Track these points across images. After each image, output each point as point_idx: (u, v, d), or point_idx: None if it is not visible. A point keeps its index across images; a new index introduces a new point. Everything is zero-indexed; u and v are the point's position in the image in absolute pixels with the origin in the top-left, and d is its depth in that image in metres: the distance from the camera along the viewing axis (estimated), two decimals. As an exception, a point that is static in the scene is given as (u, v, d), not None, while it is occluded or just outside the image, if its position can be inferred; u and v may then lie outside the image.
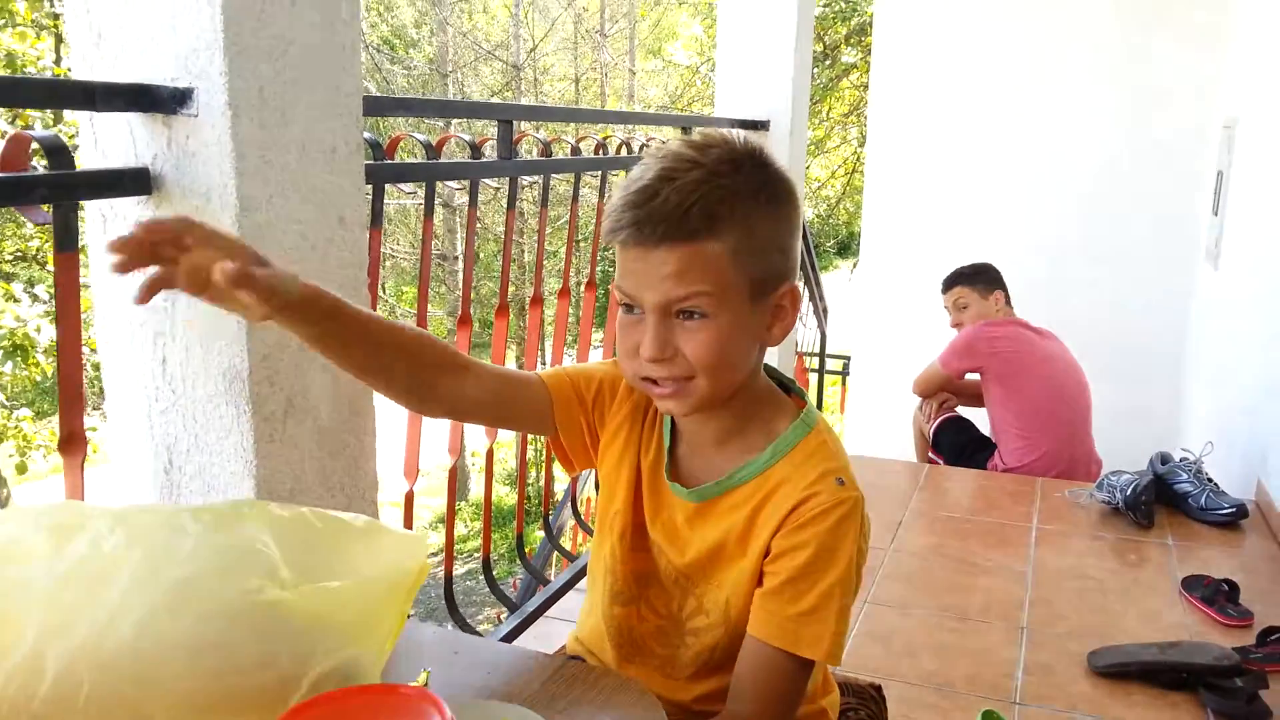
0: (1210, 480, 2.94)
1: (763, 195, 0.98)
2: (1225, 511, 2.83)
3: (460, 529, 12.15)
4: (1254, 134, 3.68)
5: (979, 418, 3.58)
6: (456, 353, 1.08)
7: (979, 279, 3.57)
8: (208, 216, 1.13)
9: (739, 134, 1.06)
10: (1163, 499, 2.92)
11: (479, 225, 12.72)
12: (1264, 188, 3.45)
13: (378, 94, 13.54)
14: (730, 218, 0.96)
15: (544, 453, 2.48)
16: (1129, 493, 2.84)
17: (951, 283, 3.63)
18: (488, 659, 0.98)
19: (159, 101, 1.12)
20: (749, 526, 1.03)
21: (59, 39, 9.66)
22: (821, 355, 5.66)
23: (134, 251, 0.84)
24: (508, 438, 10.98)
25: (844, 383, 6.04)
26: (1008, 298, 3.54)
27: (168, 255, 0.86)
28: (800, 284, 4.21)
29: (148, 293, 0.86)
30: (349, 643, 0.72)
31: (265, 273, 0.86)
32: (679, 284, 0.95)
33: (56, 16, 8.94)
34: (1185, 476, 2.93)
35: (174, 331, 1.19)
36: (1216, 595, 2.34)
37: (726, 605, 1.06)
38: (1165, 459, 3.03)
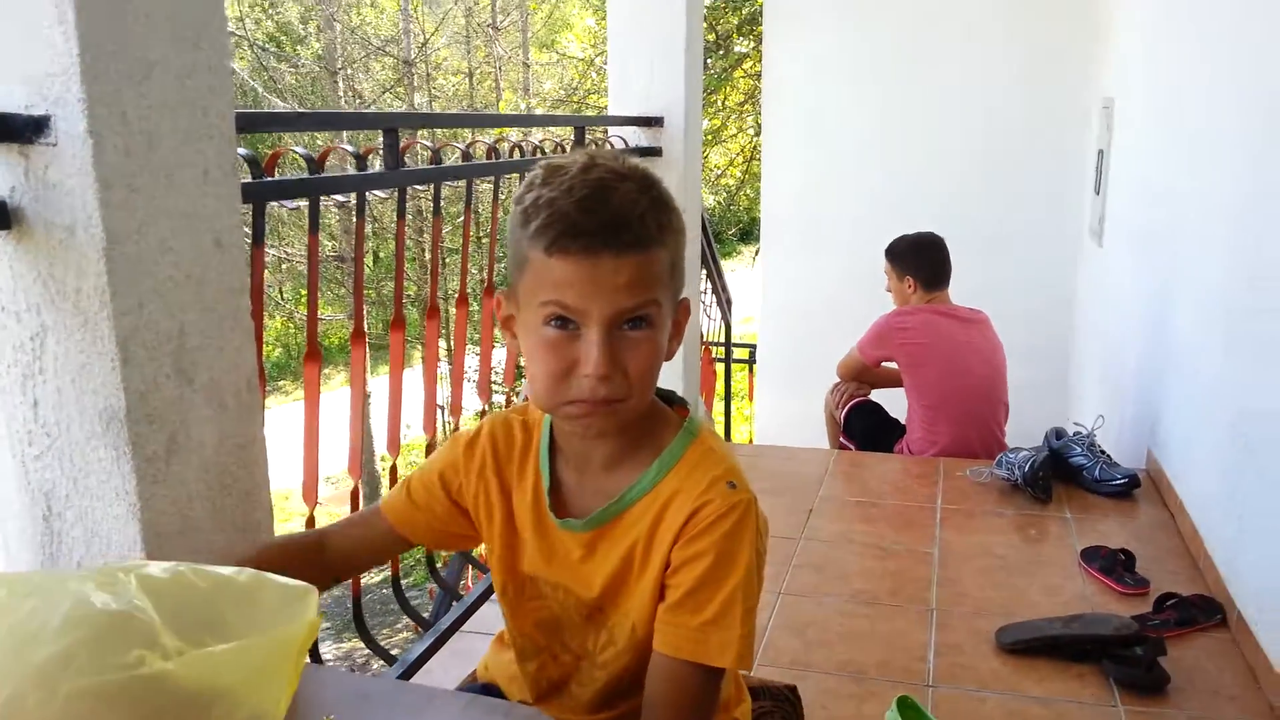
0: (1103, 452, 3.04)
1: (677, 211, 0.99)
2: (1119, 483, 2.93)
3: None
4: (1130, 113, 3.82)
5: (895, 399, 3.61)
6: (306, 541, 1.17)
7: (896, 259, 3.56)
8: (72, 250, 1.07)
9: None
10: (1059, 473, 3.02)
11: (376, 225, 12.48)
12: (1140, 166, 3.58)
13: (262, 91, 13.18)
14: (670, 228, 0.97)
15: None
16: (1026, 469, 2.93)
17: (885, 252, 3.62)
18: (395, 699, 0.95)
19: (13, 130, 1.05)
20: (648, 544, 1.02)
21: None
22: (727, 344, 5.71)
23: None
24: (419, 439, 10.82)
25: (751, 370, 6.09)
26: (929, 280, 3.49)
27: None
28: (702, 273, 4.24)
29: None
30: (242, 704, 0.68)
31: None
32: (631, 294, 0.93)
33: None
34: (1079, 450, 3.03)
35: (44, 372, 1.13)
36: (1114, 565, 2.43)
37: (632, 630, 1.04)
38: (1060, 434, 3.13)
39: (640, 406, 0.99)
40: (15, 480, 1.18)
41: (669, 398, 1.10)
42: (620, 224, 0.92)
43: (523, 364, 1.07)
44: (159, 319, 1.13)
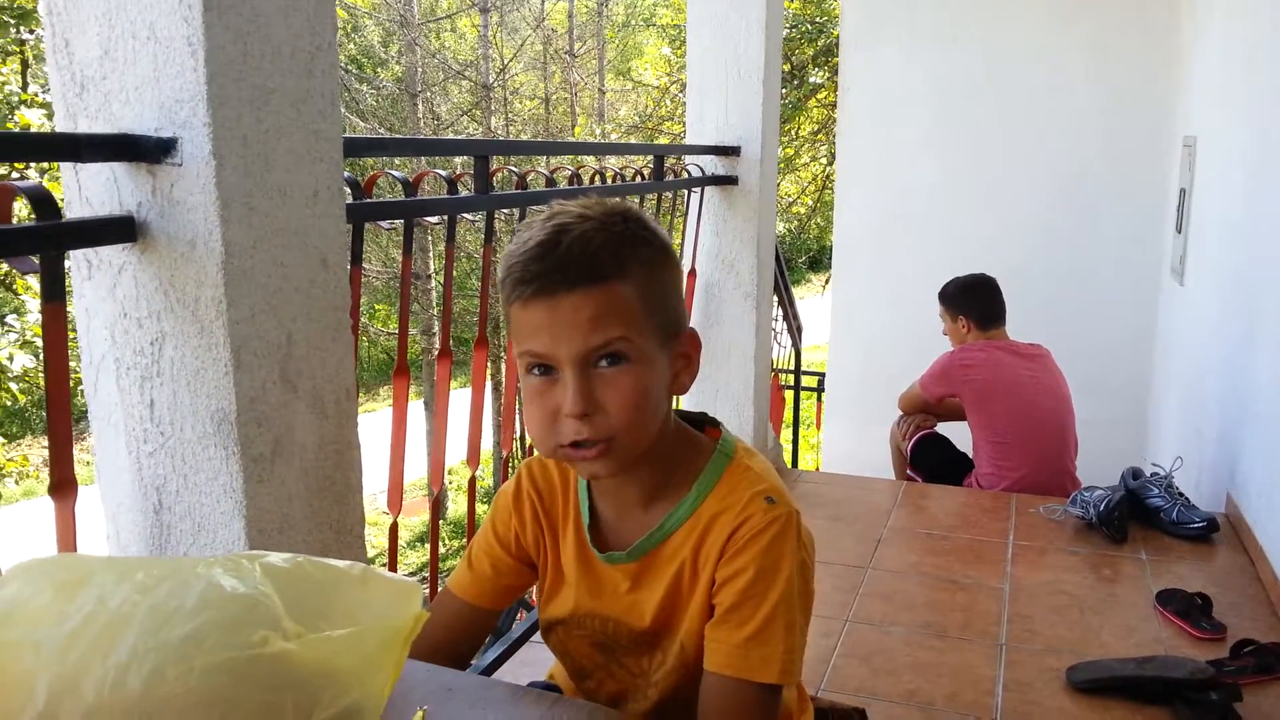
0: (1181, 495, 2.99)
1: (655, 243, 1.01)
2: (1196, 525, 2.88)
3: (441, 547, 12.08)
4: (1211, 152, 3.77)
5: (961, 432, 3.61)
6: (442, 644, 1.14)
7: (948, 301, 3.60)
8: (192, 263, 1.14)
9: (697, 196, 1.10)
10: (1135, 514, 2.97)
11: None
12: (1223, 205, 3.53)
13: (344, 111, 13.53)
14: (634, 259, 0.98)
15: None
16: (1102, 508, 2.89)
17: (938, 296, 3.66)
18: (481, 695, 1.00)
19: (144, 151, 1.13)
20: (694, 567, 1.04)
21: (25, 64, 9.59)
22: (796, 372, 5.71)
23: None
24: (487, 452, 10.95)
25: (819, 399, 6.08)
26: (983, 318, 3.51)
27: None
28: (774, 300, 4.26)
29: None
30: (349, 690, 0.73)
31: None
32: (596, 329, 0.95)
33: (23, 42, 8.88)
34: (1156, 491, 2.98)
35: (161, 375, 1.20)
36: (1190, 609, 2.38)
37: (681, 649, 1.06)
38: (1137, 474, 3.08)
39: (638, 442, 0.99)
40: (129, 475, 1.26)
41: (700, 420, 1.12)
42: (570, 262, 0.94)
43: None
44: (269, 329, 1.20)
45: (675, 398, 1.07)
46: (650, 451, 1.02)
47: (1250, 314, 2.97)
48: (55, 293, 1.11)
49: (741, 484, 1.04)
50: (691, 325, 1.07)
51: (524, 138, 15.55)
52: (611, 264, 0.96)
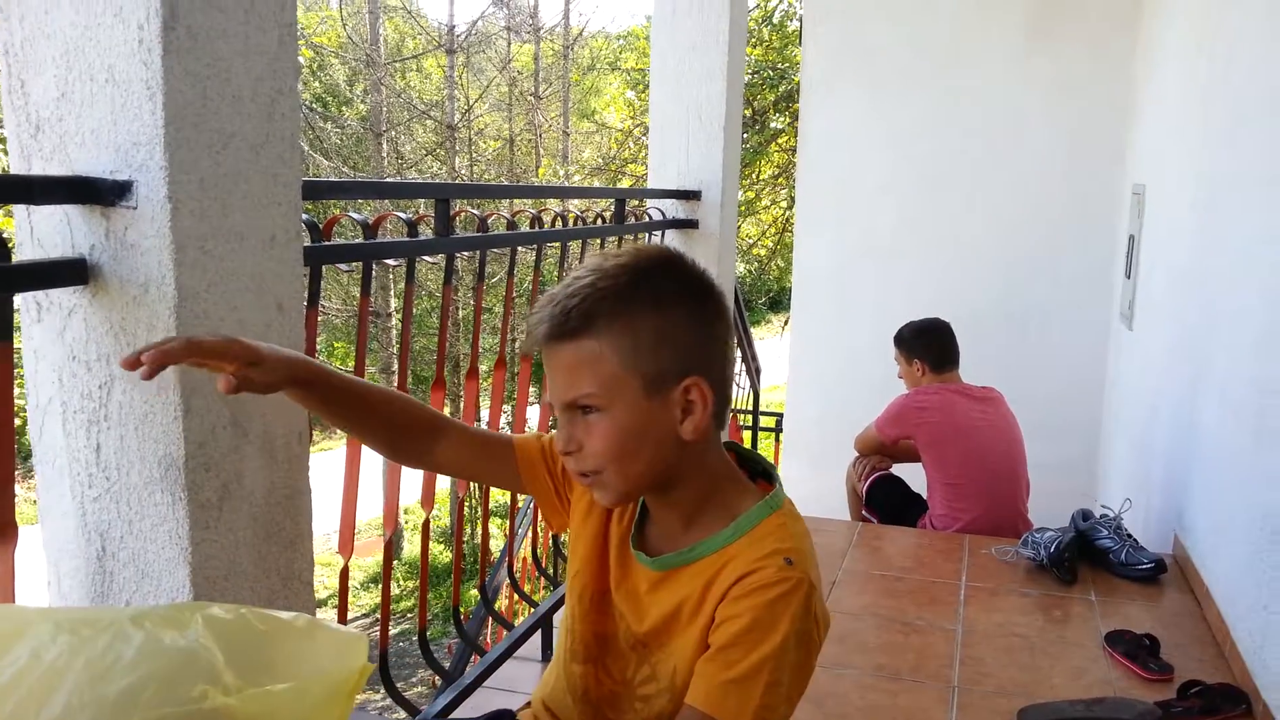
0: (1129, 536, 3.03)
1: (646, 297, 1.04)
2: (1145, 567, 2.92)
3: (394, 588, 11.92)
4: (1159, 199, 3.87)
5: (916, 473, 3.64)
6: (436, 416, 1.27)
7: (903, 345, 3.65)
8: (144, 307, 1.14)
9: (658, 239, 1.17)
10: (1085, 555, 3.01)
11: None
12: (1171, 252, 3.62)
13: (308, 150, 13.51)
14: (607, 315, 1.03)
15: (479, 510, 2.48)
16: (1052, 549, 2.93)
17: (894, 340, 3.71)
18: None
19: (98, 194, 1.13)
20: (702, 597, 1.07)
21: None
22: (755, 412, 5.74)
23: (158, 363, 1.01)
24: (444, 491, 10.85)
25: (778, 439, 6.11)
26: (937, 361, 3.57)
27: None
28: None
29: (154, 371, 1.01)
30: (291, 743, 0.73)
31: (253, 373, 1.07)
32: (569, 381, 1.05)
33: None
34: (1106, 532, 3.02)
35: (109, 419, 1.19)
36: (1139, 650, 2.41)
37: (674, 673, 1.09)
38: (1086, 515, 3.13)
39: (628, 478, 1.08)
40: (73, 520, 1.24)
41: (767, 472, 1.17)
42: (550, 316, 1.04)
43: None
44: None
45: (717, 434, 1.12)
46: (687, 485, 1.11)
47: (1196, 359, 3.04)
48: (2, 334, 1.10)
49: (771, 537, 1.08)
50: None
51: (488, 178, 15.60)
52: (580, 321, 1.03)
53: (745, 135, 10.42)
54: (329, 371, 1.17)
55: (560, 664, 1.22)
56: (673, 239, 3.28)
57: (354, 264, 1.66)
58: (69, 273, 1.15)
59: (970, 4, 4.91)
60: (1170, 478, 3.27)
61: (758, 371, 5.54)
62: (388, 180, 12.49)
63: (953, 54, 4.94)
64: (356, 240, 1.66)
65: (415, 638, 2.12)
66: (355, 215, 1.67)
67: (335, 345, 16.31)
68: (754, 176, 11.50)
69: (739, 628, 1.02)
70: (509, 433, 1.35)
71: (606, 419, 1.04)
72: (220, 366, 1.06)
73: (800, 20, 5.84)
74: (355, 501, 1.74)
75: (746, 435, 5.85)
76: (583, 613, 1.18)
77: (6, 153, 1.49)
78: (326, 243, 1.56)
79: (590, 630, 1.18)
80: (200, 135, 1.15)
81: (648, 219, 3.13)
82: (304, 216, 1.41)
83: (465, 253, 2.19)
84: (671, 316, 1.05)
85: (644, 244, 1.14)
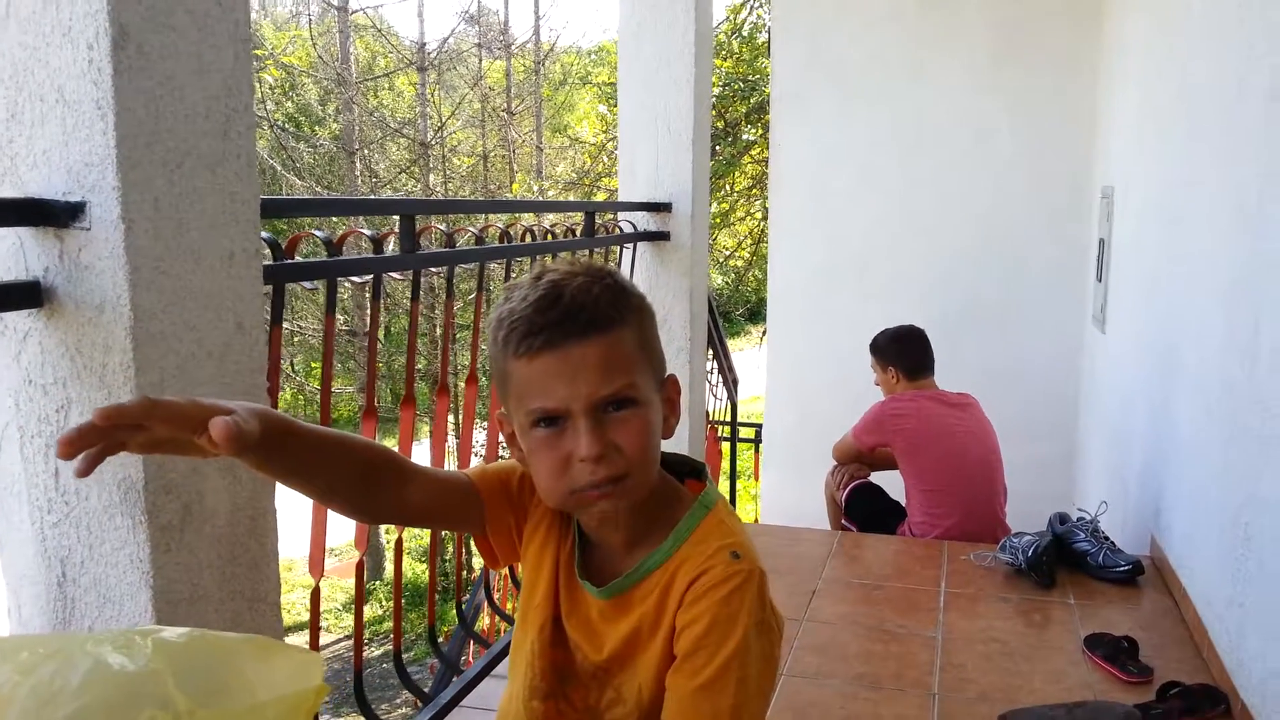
0: (1107, 538, 3.04)
1: (638, 295, 1.06)
2: (1122, 569, 2.93)
3: (376, 608, 11.84)
4: (1128, 203, 3.90)
5: (895, 481, 3.65)
6: (402, 463, 1.11)
7: (878, 352, 3.67)
8: (100, 328, 1.12)
9: (629, 253, 1.15)
10: (1063, 558, 3.01)
11: (387, 299, 12.65)
12: (1139, 255, 3.65)
13: (281, 169, 13.47)
14: (629, 308, 1.03)
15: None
16: (1030, 554, 2.93)
17: (869, 347, 3.73)
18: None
19: (51, 215, 1.11)
20: (659, 610, 1.06)
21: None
22: (733, 424, 5.75)
23: (89, 440, 0.80)
24: (423, 516, 10.78)
25: (757, 450, 6.12)
26: (911, 369, 3.58)
27: (121, 436, 0.83)
28: (709, 352, 4.30)
29: (93, 465, 0.81)
30: (247, 767, 0.71)
31: (240, 430, 0.84)
32: (607, 375, 0.99)
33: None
34: (1083, 535, 3.03)
35: (66, 443, 1.17)
36: (1118, 653, 2.42)
37: (639, 691, 1.08)
38: (1064, 519, 3.13)
39: (645, 483, 1.04)
40: (33, 546, 1.22)
41: (696, 470, 1.15)
42: (576, 311, 0.98)
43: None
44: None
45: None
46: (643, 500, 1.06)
47: (1168, 361, 3.06)
48: (-45, 360, 1.08)
49: (712, 536, 1.07)
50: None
51: (463, 194, 15.59)
52: (613, 311, 1.00)
53: (718, 147, 10.45)
54: (298, 423, 0.99)
55: (519, 700, 1.16)
56: (644, 251, 3.28)
57: (318, 282, 1.64)
58: (23, 296, 1.13)
59: (936, 14, 4.95)
60: (1146, 479, 3.29)
61: (735, 383, 5.54)
62: (349, 197, 12.43)
63: (920, 64, 4.98)
64: (321, 258, 1.65)
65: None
66: (318, 233, 1.66)
67: (313, 365, 16.22)
68: (728, 188, 11.54)
69: (699, 631, 1.01)
70: (456, 469, 1.27)
71: (640, 414, 1.01)
72: (182, 434, 0.86)
73: (769, 32, 5.87)
74: (325, 521, 1.72)
75: (725, 446, 5.85)
76: (540, 648, 1.14)
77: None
78: (289, 260, 1.54)
79: (549, 664, 1.14)
80: (154, 154, 1.13)
81: (619, 231, 3.13)
82: (265, 235, 1.39)
83: (437, 270, 2.18)
84: (652, 315, 1.08)
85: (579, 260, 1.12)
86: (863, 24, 5.06)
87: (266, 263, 1.42)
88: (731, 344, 5.68)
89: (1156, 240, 3.31)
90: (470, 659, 4.85)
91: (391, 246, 1.86)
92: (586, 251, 2.94)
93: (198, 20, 1.18)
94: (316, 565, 1.74)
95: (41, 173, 1.13)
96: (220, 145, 1.23)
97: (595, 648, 1.11)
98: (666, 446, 1.10)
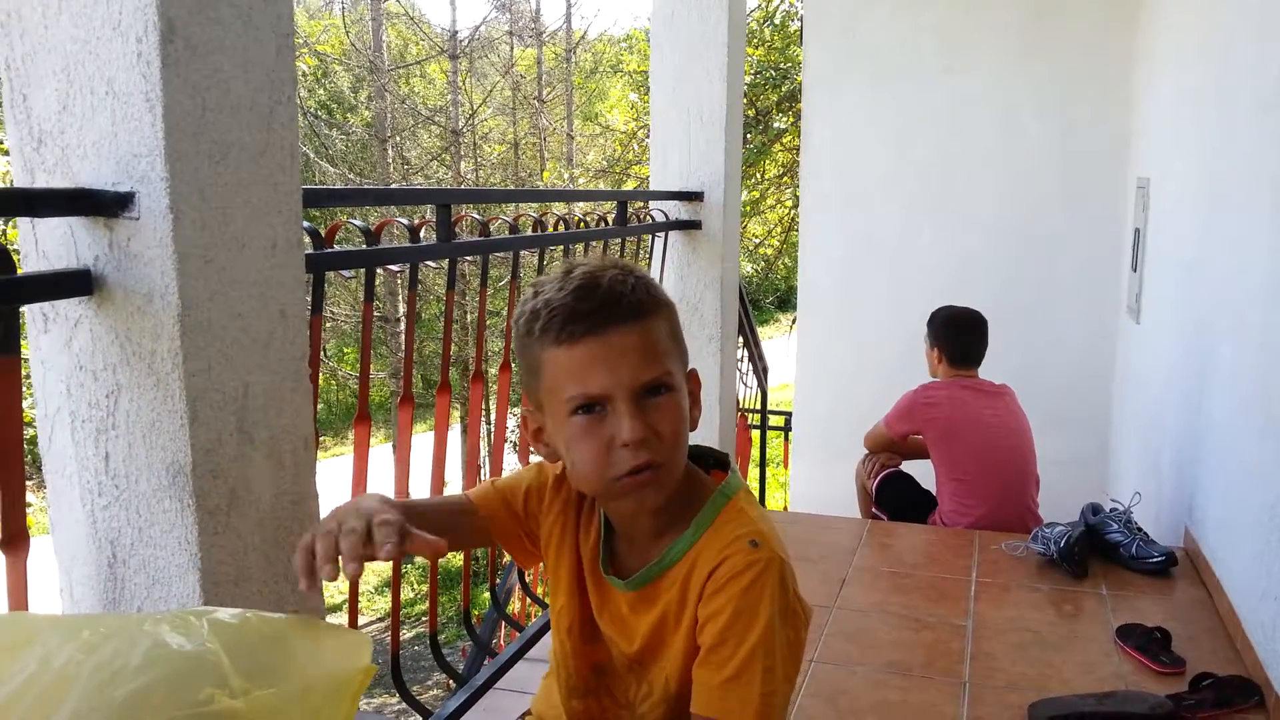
0: (1140, 530, 3.02)
1: (662, 290, 1.08)
2: (1155, 560, 2.91)
3: (408, 591, 11.95)
4: (1164, 193, 3.86)
5: (925, 470, 3.63)
6: (424, 508, 1.18)
7: (931, 327, 3.59)
8: (149, 316, 1.15)
9: (661, 241, 1.17)
10: (1095, 549, 3.00)
11: (420, 286, 12.68)
12: (1175, 245, 3.61)
13: (314, 156, 13.57)
14: (661, 300, 1.05)
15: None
16: (1062, 544, 2.92)
17: (928, 319, 3.65)
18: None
19: (101, 205, 1.14)
20: (681, 600, 1.07)
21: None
22: (763, 411, 5.75)
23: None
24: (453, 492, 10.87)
25: (787, 438, 6.11)
26: (955, 356, 3.51)
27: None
28: (739, 340, 4.30)
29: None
30: (297, 744, 0.73)
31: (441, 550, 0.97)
32: (647, 361, 1.01)
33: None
34: (1116, 526, 3.02)
35: (116, 428, 1.20)
36: (1150, 643, 2.41)
37: (666, 682, 1.09)
38: (1096, 509, 3.12)
39: (679, 469, 1.05)
40: (84, 528, 1.25)
41: (720, 460, 1.16)
42: (615, 298, 1.00)
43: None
44: (226, 380, 1.20)
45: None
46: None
47: (1204, 352, 3.03)
48: (9, 346, 1.11)
49: (731, 524, 1.07)
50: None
51: (493, 182, 15.63)
52: (649, 301, 1.03)
53: (749, 135, 10.42)
54: (415, 504, 1.16)
55: (561, 702, 1.19)
56: (676, 240, 3.29)
57: (356, 270, 1.67)
58: (74, 284, 1.16)
59: (969, 0, 4.90)
60: (1180, 470, 3.26)
61: (765, 371, 5.54)
62: (387, 187, 12.52)
63: (952, 50, 4.94)
64: (359, 247, 1.67)
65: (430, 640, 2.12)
66: (356, 223, 1.68)
67: (345, 351, 16.37)
68: (758, 176, 11.50)
69: (723, 623, 1.02)
70: (460, 492, 1.30)
71: (676, 401, 1.03)
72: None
73: (801, 20, 5.84)
74: (363, 506, 1.75)
75: (756, 435, 5.85)
76: (574, 647, 1.16)
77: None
78: (329, 249, 1.57)
79: (585, 663, 1.16)
80: (200, 146, 1.16)
81: (650, 220, 3.14)
82: (305, 225, 1.42)
83: (470, 258, 2.20)
84: (676, 311, 1.10)
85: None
86: (894, 11, 5.02)
87: (307, 252, 1.45)
88: (761, 332, 5.68)
89: (1194, 230, 3.27)
90: (502, 642, 4.90)
91: (425, 235, 1.88)
92: (618, 240, 2.95)
93: (242, 14, 1.20)
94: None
95: (91, 164, 1.15)
96: (264, 137, 1.25)
97: (627, 640, 1.12)
98: (694, 437, 1.12)
